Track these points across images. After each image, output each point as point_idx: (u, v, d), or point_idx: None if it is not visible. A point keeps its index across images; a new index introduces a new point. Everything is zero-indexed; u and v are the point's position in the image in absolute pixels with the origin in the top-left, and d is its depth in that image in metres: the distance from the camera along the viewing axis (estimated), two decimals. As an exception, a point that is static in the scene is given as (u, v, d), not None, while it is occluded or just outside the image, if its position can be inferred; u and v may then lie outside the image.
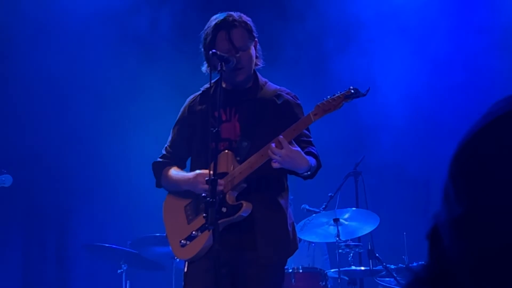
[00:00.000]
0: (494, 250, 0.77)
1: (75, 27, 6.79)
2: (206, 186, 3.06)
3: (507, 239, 0.77)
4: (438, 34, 6.86)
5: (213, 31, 3.34)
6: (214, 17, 3.40)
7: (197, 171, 3.30)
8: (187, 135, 3.50)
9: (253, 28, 3.41)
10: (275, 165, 3.11)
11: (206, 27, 3.41)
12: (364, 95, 3.11)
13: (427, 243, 0.88)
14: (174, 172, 3.47)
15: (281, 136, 3.12)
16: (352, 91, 3.11)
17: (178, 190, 3.44)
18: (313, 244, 5.94)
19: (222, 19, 3.35)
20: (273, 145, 3.10)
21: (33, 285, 6.66)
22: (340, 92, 3.14)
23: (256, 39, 3.43)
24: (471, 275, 0.79)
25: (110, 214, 6.82)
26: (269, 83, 3.51)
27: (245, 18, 3.41)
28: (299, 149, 3.14)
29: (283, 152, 3.08)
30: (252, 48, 3.39)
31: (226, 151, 3.31)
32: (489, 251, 0.78)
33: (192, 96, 3.58)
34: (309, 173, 3.22)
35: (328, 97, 3.16)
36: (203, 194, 3.13)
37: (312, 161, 3.20)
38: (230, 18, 3.35)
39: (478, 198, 0.80)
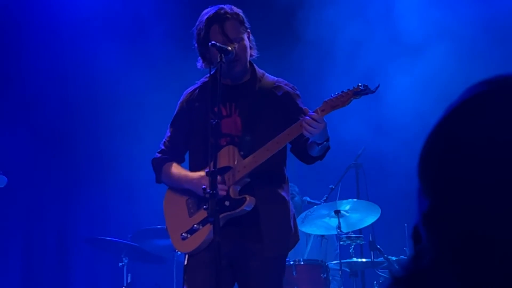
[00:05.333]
0: (456, 244, 0.78)
1: (71, 23, 6.76)
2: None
3: (470, 233, 0.77)
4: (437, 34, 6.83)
5: (206, 25, 3.32)
6: (205, 11, 3.39)
7: (201, 173, 3.26)
8: (186, 130, 3.47)
9: (245, 19, 3.40)
10: (306, 133, 3.11)
11: (197, 22, 3.39)
12: (373, 91, 3.08)
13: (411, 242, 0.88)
14: (175, 169, 3.44)
15: (311, 112, 3.12)
16: (361, 87, 3.08)
17: (179, 187, 3.43)
18: (325, 239, 5.90)
19: (213, 13, 3.33)
20: (307, 118, 3.09)
21: (34, 279, 6.65)
22: (349, 89, 3.12)
23: (248, 30, 3.41)
24: (438, 272, 0.79)
25: (111, 207, 6.81)
26: (267, 74, 3.49)
27: (236, 9, 3.39)
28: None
29: (318, 124, 3.07)
30: (246, 39, 3.38)
31: (230, 145, 3.30)
32: (452, 245, 0.78)
33: (189, 90, 3.54)
34: (328, 143, 3.22)
35: (336, 93, 3.14)
36: (203, 186, 3.11)
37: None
38: (222, 11, 3.34)
39: (440, 190, 0.80)
